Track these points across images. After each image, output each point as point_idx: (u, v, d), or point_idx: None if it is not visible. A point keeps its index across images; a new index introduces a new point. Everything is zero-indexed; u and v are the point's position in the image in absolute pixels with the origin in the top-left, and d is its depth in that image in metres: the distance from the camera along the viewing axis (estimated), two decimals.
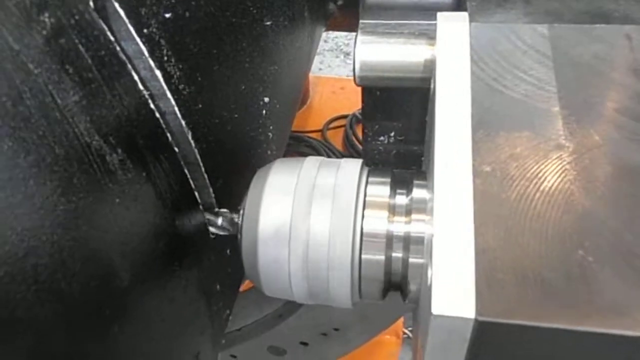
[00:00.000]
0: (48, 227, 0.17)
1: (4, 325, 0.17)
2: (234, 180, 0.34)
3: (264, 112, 0.40)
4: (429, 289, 0.20)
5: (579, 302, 0.17)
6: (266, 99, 0.41)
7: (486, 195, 0.20)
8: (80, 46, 0.20)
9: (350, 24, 0.78)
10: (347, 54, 2.06)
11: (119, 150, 0.21)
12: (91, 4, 0.21)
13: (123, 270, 0.22)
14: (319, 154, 1.10)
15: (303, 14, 0.52)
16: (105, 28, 0.21)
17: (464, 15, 0.27)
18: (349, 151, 1.42)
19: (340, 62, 2.02)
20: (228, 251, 0.35)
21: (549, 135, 0.22)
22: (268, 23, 0.41)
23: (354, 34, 0.41)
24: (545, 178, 0.20)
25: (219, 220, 0.30)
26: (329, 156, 1.13)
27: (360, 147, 1.21)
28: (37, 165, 0.17)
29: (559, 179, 0.20)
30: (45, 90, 0.18)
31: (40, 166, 0.17)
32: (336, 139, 1.44)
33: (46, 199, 0.18)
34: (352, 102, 1.39)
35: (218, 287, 0.33)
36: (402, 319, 0.88)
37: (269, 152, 0.43)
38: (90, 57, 0.20)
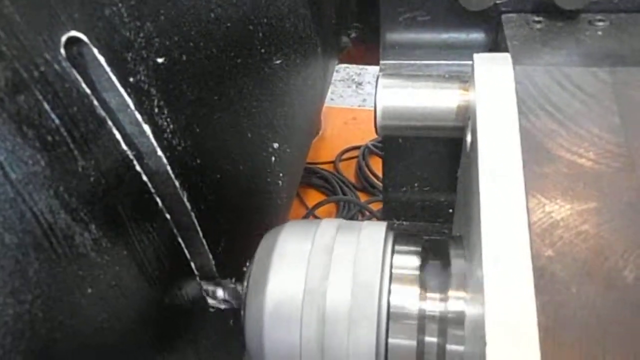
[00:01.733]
0: None
1: None
2: (238, 242, 0.29)
3: (272, 159, 0.37)
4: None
5: None
6: (275, 145, 0.37)
7: (552, 289, 0.16)
8: (45, 104, 0.16)
9: (363, 57, 0.75)
10: (359, 84, 2.04)
11: (93, 227, 0.17)
12: (62, 51, 0.17)
13: None
14: (331, 185, 1.07)
15: (316, 50, 0.48)
16: (80, 79, 0.18)
17: (506, 56, 0.23)
18: (362, 184, 1.37)
19: (352, 92, 1.99)
20: (231, 322, 0.30)
21: (623, 209, 0.17)
22: (278, 62, 0.37)
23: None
24: (626, 267, 0.16)
25: (220, 292, 0.26)
26: (341, 188, 1.10)
27: (373, 179, 1.17)
28: None
29: None
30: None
31: None
32: (349, 170, 1.39)
33: None
34: (365, 133, 1.36)
35: None
36: None
37: (278, 202, 0.39)
38: (58, 115, 0.16)
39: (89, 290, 0.17)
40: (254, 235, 0.28)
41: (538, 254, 0.17)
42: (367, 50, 0.73)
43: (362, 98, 2.20)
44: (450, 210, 0.34)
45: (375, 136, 1.35)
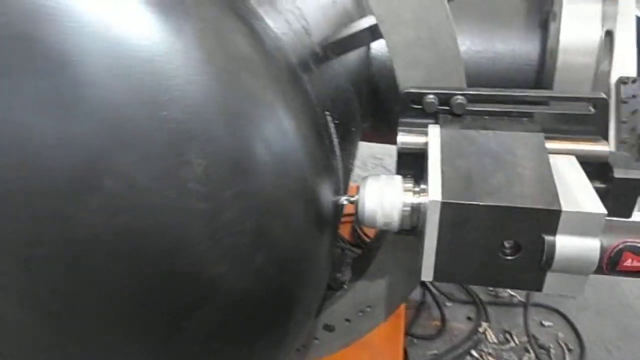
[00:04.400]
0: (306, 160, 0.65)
1: None
2: (344, 189, 0.82)
3: (351, 166, 0.90)
4: (427, 205, 0.68)
5: (486, 192, 0.65)
6: (352, 159, 0.91)
7: (445, 175, 0.69)
8: (325, 135, 0.69)
9: (371, 138, 1.31)
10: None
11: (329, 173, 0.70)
12: (332, 130, 0.71)
13: (322, 211, 0.69)
14: None
15: (360, 129, 1.04)
16: (330, 131, 0.71)
17: (437, 126, 0.78)
18: (355, 240, 1.91)
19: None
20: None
21: (471, 163, 0.71)
22: (353, 129, 0.92)
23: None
24: (463, 166, 0.70)
25: (347, 198, 0.78)
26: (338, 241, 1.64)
27: (364, 237, 1.74)
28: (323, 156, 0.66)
29: (471, 165, 0.70)
30: (323, 140, 0.67)
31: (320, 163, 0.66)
32: (344, 230, 1.94)
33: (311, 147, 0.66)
34: None
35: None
36: None
37: (349, 182, 0.93)
38: (329, 140, 0.70)
39: (333, 176, 0.69)
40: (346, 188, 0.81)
41: (443, 171, 0.70)
42: (374, 134, 1.29)
43: (354, 179, 2.77)
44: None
45: None
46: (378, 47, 1.15)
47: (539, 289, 0.69)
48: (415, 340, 2.25)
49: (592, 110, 0.78)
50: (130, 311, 0.58)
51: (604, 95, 0.78)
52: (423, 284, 2.56)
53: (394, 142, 0.83)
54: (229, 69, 0.57)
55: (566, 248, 0.65)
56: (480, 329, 2.32)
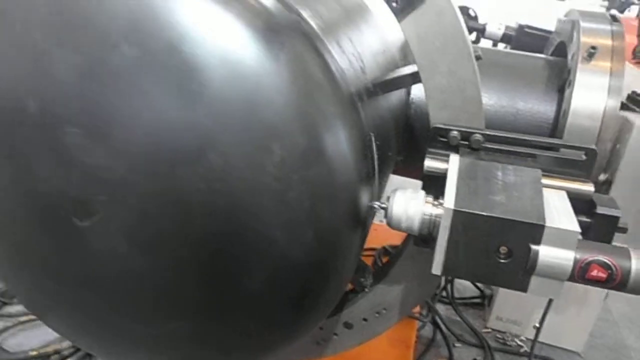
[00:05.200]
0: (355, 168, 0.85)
1: None
2: (379, 196, 1.02)
3: (384, 183, 1.10)
4: (442, 214, 0.87)
5: (489, 206, 0.85)
6: (385, 178, 1.11)
7: (459, 190, 0.89)
8: (368, 150, 0.90)
9: (403, 172, 1.51)
10: None
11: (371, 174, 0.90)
12: (374, 148, 0.91)
13: (358, 212, 0.88)
14: None
15: (395, 158, 1.25)
16: (373, 147, 0.92)
17: (458, 156, 0.97)
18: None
19: None
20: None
21: (478, 182, 0.91)
22: (389, 154, 1.12)
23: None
24: (474, 186, 0.89)
25: (380, 204, 0.97)
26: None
27: None
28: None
29: (480, 186, 0.89)
30: (366, 153, 0.88)
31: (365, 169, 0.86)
32: (367, 261, 2.11)
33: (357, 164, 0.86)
34: (382, 240, 2.13)
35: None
36: None
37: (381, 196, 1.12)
38: (371, 156, 0.90)
39: (371, 182, 0.89)
40: (381, 195, 1.01)
41: (458, 186, 0.90)
42: (406, 168, 1.49)
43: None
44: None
45: (390, 242, 2.26)
46: (416, 94, 1.36)
47: (524, 290, 0.87)
48: None
49: (584, 157, 0.97)
50: (209, 254, 0.78)
51: (594, 147, 0.97)
52: (435, 323, 2.69)
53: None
54: (307, 88, 0.78)
55: (547, 256, 0.82)
56: None
